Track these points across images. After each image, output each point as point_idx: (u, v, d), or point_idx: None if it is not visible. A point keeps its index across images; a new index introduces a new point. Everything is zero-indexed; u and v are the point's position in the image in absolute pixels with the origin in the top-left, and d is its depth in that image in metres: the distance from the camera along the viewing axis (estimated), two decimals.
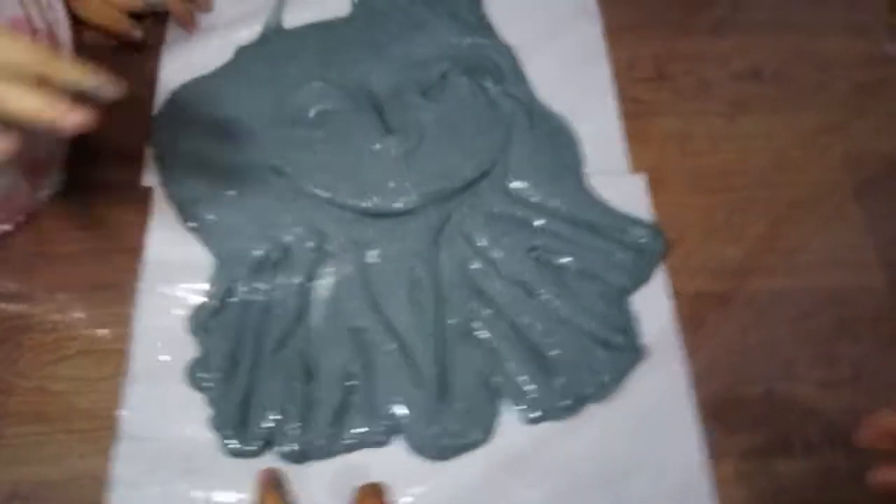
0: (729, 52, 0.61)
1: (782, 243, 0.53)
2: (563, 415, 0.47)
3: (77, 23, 0.55)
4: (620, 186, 0.54)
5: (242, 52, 0.58)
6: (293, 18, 0.60)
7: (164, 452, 0.45)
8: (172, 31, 0.59)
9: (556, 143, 0.55)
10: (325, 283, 0.50)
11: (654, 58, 0.60)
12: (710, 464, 0.46)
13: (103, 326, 0.49)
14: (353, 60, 0.58)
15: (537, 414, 0.47)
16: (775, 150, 0.57)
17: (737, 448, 0.47)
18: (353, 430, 0.46)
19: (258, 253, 0.50)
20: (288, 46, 0.59)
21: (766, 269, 0.52)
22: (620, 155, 0.56)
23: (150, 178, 0.53)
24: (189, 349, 0.48)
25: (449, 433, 0.46)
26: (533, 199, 0.53)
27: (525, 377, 0.47)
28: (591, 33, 0.61)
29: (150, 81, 0.57)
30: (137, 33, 0.57)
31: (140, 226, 0.51)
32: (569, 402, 0.47)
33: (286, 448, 0.45)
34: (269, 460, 0.45)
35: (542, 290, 0.50)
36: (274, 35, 0.59)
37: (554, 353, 0.48)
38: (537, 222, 0.52)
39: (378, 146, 0.53)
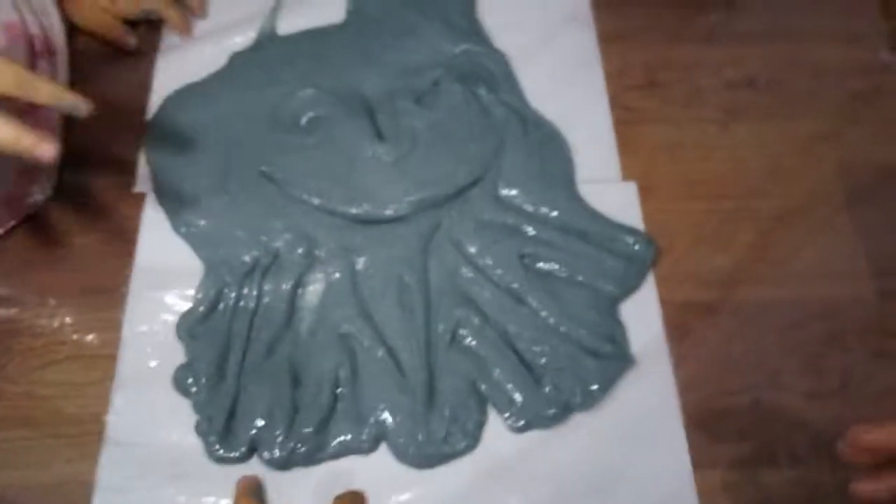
0: (722, 59, 0.61)
1: (772, 253, 0.53)
2: (549, 423, 0.47)
3: (72, 29, 0.56)
4: (611, 194, 0.54)
5: (236, 59, 0.59)
6: (287, 25, 0.60)
7: (151, 458, 0.45)
8: (166, 38, 0.59)
9: (548, 150, 0.55)
10: (314, 290, 0.50)
11: (646, 65, 0.60)
12: (696, 473, 0.46)
13: (93, 331, 0.49)
14: (346, 67, 0.58)
15: (524, 422, 0.47)
16: (768, 159, 0.57)
17: (723, 458, 0.47)
18: (338, 437, 0.46)
19: (248, 259, 0.50)
20: (282, 53, 0.59)
21: (755, 278, 0.52)
22: (612, 162, 0.56)
23: (143, 184, 0.53)
24: (178, 355, 0.48)
25: (435, 441, 0.46)
26: (524, 207, 0.53)
27: (512, 385, 0.47)
28: (584, 41, 0.61)
29: (143, 87, 0.57)
30: (132, 40, 0.58)
31: (131, 231, 0.52)
32: (556, 410, 0.47)
33: (270, 454, 0.45)
34: (255, 466, 0.45)
35: (532, 298, 0.49)
36: (268, 41, 0.60)
37: (542, 361, 0.48)
38: (528, 230, 0.52)
39: (370, 153, 0.53)
